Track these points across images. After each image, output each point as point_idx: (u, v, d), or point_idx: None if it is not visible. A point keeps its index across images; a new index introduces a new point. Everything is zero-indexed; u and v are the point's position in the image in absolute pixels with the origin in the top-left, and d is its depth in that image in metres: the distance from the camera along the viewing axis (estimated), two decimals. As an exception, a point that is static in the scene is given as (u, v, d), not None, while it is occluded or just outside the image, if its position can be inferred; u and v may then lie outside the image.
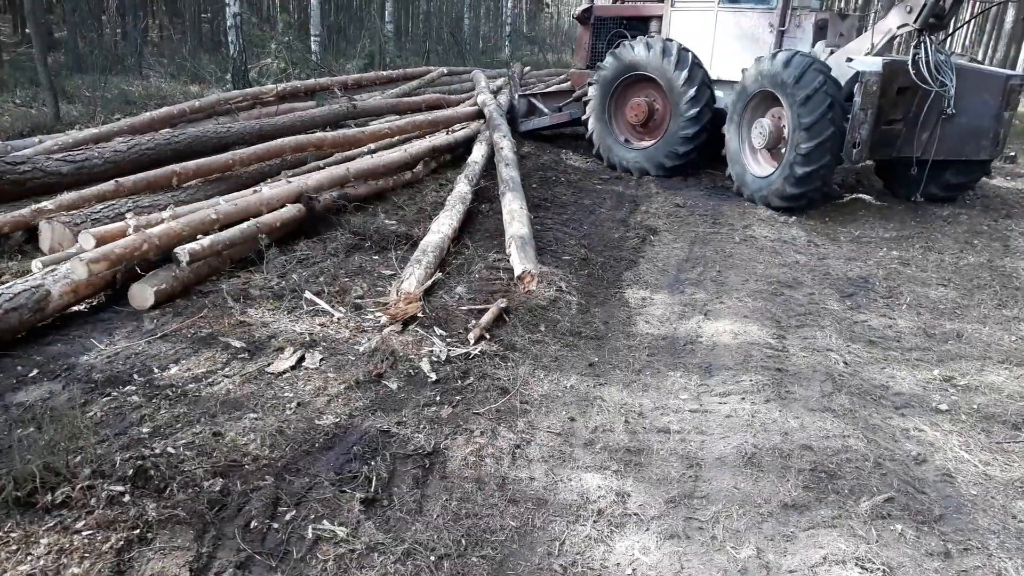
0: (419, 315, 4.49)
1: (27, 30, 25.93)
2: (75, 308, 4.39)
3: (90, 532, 2.57)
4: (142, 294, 4.45)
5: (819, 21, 8.99)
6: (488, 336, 4.44)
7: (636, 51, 9.45)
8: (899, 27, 8.08)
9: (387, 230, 6.01)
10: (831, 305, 5.60)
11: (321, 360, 3.98)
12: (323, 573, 2.55)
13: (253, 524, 2.71)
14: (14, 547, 2.50)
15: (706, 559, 2.87)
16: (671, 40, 9.34)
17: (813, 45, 8.82)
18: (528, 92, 11.41)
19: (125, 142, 6.37)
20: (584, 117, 10.18)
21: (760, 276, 6.13)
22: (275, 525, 2.73)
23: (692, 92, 9.05)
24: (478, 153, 8.62)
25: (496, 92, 11.80)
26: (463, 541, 2.82)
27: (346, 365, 3.94)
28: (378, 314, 4.56)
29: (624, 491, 3.26)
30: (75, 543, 2.52)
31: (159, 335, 4.11)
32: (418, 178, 8.16)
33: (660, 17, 10.15)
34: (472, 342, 4.32)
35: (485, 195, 7.69)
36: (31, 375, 3.64)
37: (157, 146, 6.48)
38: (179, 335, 4.13)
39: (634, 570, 2.80)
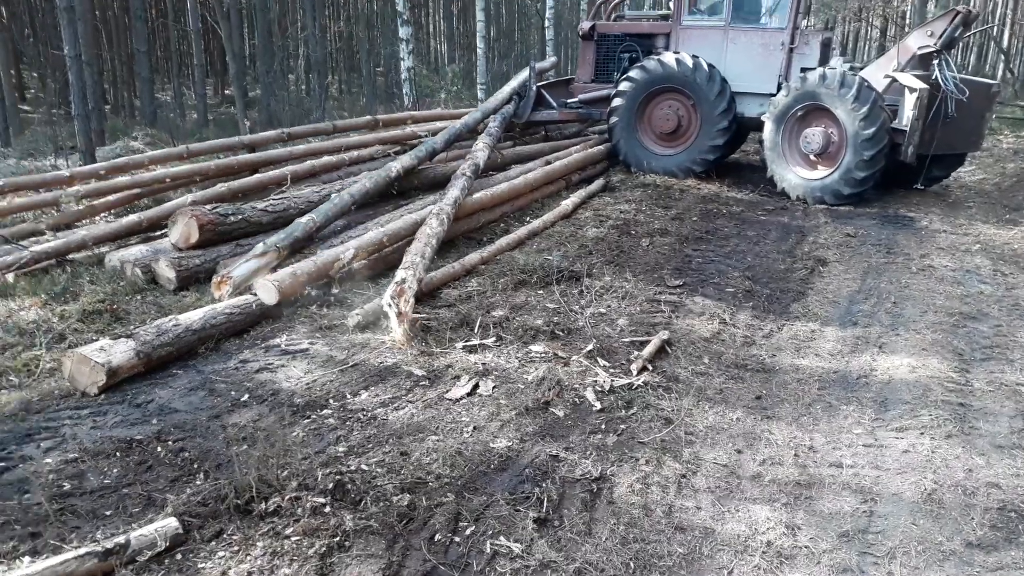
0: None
1: (227, 91, 28.89)
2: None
3: (298, 538, 2.89)
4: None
5: (825, 39, 10.26)
6: (651, 367, 4.54)
7: (664, 66, 10.20)
8: (920, 48, 9.42)
9: (550, 265, 6.24)
10: (1021, 338, 5.24)
11: (493, 387, 4.23)
12: (501, 585, 2.74)
13: (437, 537, 2.96)
14: (236, 548, 2.86)
15: (882, 595, 2.81)
16: (699, 57, 10.10)
17: (820, 61, 9.97)
18: (541, 83, 11.65)
19: (317, 192, 7.07)
20: (610, 130, 10.77)
21: (940, 308, 5.83)
22: (456, 539, 2.96)
23: (722, 104, 10.03)
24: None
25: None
26: (631, 564, 2.92)
27: (516, 393, 4.16)
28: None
29: (794, 524, 3.24)
30: (286, 547, 2.85)
31: (350, 364, 4.51)
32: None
33: (665, 35, 10.99)
34: (635, 373, 4.43)
35: (642, 230, 7.79)
36: (243, 399, 4.11)
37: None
38: (367, 364, 4.52)
39: (805, 602, 2.79)
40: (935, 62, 9.34)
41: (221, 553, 2.82)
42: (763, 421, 4.13)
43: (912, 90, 8.95)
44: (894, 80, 9.32)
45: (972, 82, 9.76)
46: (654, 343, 4.80)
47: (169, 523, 2.86)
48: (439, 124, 10.52)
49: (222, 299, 5.28)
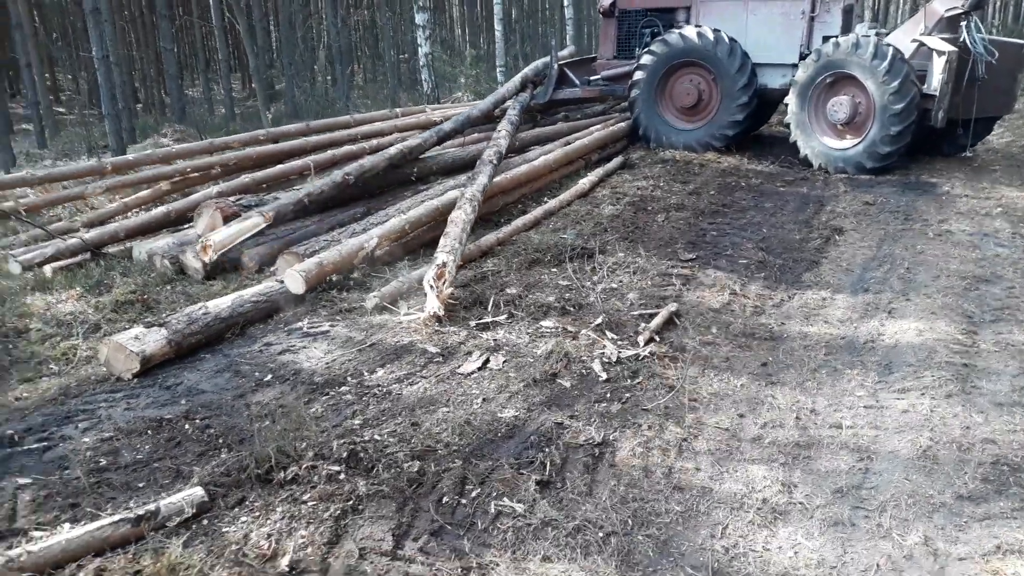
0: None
1: (253, 85, 29.29)
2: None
3: (314, 503, 3.09)
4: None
5: (846, 6, 10.03)
6: (658, 339, 4.66)
7: (685, 39, 10.17)
8: (947, 10, 9.38)
9: (564, 243, 6.37)
10: (1034, 298, 5.26)
11: (504, 362, 4.39)
12: (503, 542, 2.91)
13: (444, 499, 3.13)
14: (257, 513, 3.06)
15: (870, 545, 2.93)
16: (720, 31, 10.04)
17: (843, 28, 9.87)
18: (563, 62, 11.70)
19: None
20: (631, 104, 10.78)
21: (953, 272, 5.85)
22: (463, 501, 3.14)
23: (743, 79, 9.97)
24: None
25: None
26: (629, 521, 3.07)
27: (525, 366, 4.32)
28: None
29: (791, 482, 3.36)
30: (302, 511, 3.05)
31: (368, 344, 4.71)
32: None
33: (685, 8, 10.89)
34: (642, 344, 4.56)
35: (659, 205, 7.87)
36: (266, 379, 4.32)
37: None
38: (384, 344, 4.71)
39: (796, 553, 2.91)
40: (963, 24, 9.21)
41: (243, 518, 3.02)
42: (767, 387, 4.23)
43: (941, 53, 8.85)
44: (922, 44, 9.22)
45: (1002, 43, 9.62)
46: (662, 315, 4.92)
47: (195, 492, 3.07)
48: (455, 110, 10.66)
49: (209, 263, 5.86)
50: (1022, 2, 35.16)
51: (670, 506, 3.18)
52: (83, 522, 2.95)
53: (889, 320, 5.06)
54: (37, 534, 2.87)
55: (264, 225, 6.03)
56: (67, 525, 2.94)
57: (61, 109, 25.21)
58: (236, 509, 3.09)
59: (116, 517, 2.87)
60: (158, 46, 22.37)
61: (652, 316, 4.94)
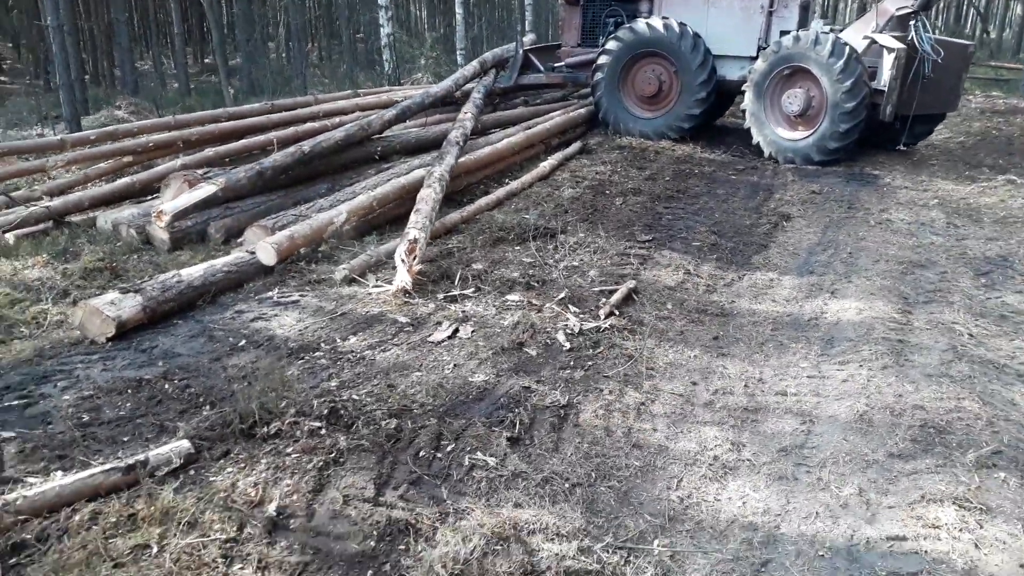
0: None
1: (206, 60, 28.79)
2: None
3: (297, 455, 3.26)
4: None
5: (803, 3, 10.48)
6: (617, 312, 4.92)
7: (652, 29, 10.43)
8: (897, 9, 9.78)
9: (527, 223, 6.58)
10: (963, 283, 5.65)
11: (472, 332, 4.59)
12: (477, 491, 3.13)
13: (421, 453, 3.34)
14: (242, 464, 3.22)
15: (810, 496, 3.22)
16: (686, 25, 10.33)
17: (799, 24, 10.30)
18: (527, 48, 12.02)
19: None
20: (593, 87, 11.02)
21: (891, 257, 6.23)
22: (439, 455, 3.34)
23: (703, 71, 10.29)
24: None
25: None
26: (593, 474, 3.31)
27: (493, 336, 4.53)
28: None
29: (739, 442, 3.64)
30: (286, 463, 3.22)
31: (339, 313, 4.86)
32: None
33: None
34: (603, 317, 4.81)
35: (616, 190, 8.13)
36: (240, 344, 4.45)
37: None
38: (355, 314, 4.87)
39: (744, 503, 3.19)
40: (912, 23, 9.64)
41: (229, 469, 3.18)
42: (718, 358, 4.52)
43: (890, 50, 9.26)
44: (873, 42, 9.61)
45: (948, 43, 10.09)
46: (622, 291, 5.18)
47: (182, 444, 3.22)
48: (416, 91, 10.77)
49: (165, 231, 6.03)
50: (964, 4, 36.43)
51: (629, 462, 3.44)
52: (74, 471, 3.08)
53: (832, 300, 5.40)
54: (31, 480, 2.99)
55: (216, 191, 6.11)
56: (59, 473, 3.06)
57: (3, 78, 24.47)
58: (222, 461, 3.24)
59: (107, 466, 3.01)
60: (110, 17, 21.85)
61: (612, 292, 5.19)
